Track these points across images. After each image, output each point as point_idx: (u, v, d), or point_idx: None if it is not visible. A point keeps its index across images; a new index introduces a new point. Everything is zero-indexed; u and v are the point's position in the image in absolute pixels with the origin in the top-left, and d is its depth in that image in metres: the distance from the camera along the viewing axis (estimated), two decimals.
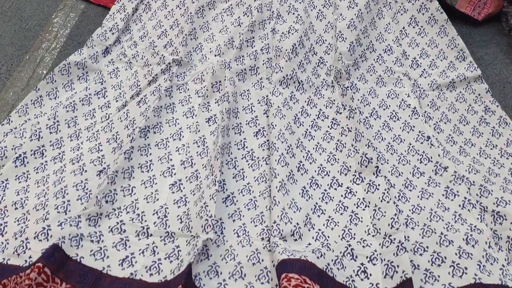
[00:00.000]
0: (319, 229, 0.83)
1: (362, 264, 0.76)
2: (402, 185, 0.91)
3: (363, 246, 0.78)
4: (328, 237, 0.81)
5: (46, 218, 0.80)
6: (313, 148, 0.97)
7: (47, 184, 0.88)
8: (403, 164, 0.94)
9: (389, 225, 0.80)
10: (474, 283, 0.72)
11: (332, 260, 0.75)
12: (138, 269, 0.76)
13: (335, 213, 0.86)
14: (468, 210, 0.85)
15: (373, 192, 0.86)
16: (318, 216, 0.85)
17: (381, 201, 0.84)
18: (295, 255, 0.72)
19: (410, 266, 0.72)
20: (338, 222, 0.84)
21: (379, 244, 0.78)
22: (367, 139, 0.93)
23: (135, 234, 0.81)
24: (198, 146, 0.98)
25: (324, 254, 0.75)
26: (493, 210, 0.82)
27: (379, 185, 0.86)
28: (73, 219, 0.79)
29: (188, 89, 1.07)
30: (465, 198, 0.87)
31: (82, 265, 0.74)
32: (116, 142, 0.96)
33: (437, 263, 0.76)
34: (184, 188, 0.90)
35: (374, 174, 0.89)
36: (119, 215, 0.84)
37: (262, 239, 0.81)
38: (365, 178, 0.89)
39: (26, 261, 0.74)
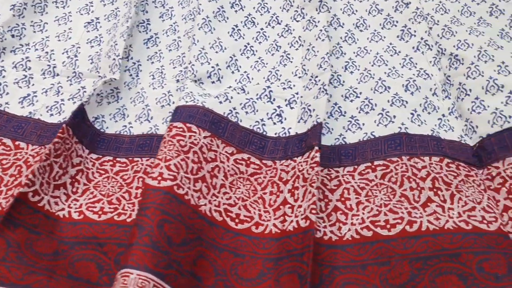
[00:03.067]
0: (245, 71, 0.72)
1: (279, 107, 0.67)
2: (353, 24, 0.77)
3: (284, 88, 0.68)
4: (252, 79, 0.71)
5: None
6: None
7: None
8: (360, 1, 0.80)
9: (317, 65, 0.68)
10: (398, 132, 0.62)
11: (241, 104, 0.65)
12: (38, 108, 0.70)
13: (267, 53, 0.74)
14: (422, 52, 0.72)
15: (310, 30, 0.73)
16: (248, 57, 0.74)
17: (316, 39, 0.71)
18: (194, 100, 0.63)
19: (325, 111, 0.63)
20: (267, 64, 0.73)
21: (303, 86, 0.68)
22: None
23: (40, 72, 0.74)
24: None
25: (231, 98, 0.65)
26: (451, 53, 0.69)
27: (318, 22, 0.73)
28: None
29: None
30: (421, 38, 0.73)
31: None
32: None
33: (365, 110, 0.66)
34: (101, 27, 0.80)
35: (316, 10, 0.75)
36: (26, 51, 0.76)
37: (177, 81, 0.72)
38: (306, 14, 0.76)
39: None
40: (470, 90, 0.65)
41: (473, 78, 0.65)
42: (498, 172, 0.58)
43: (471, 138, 0.63)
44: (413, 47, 0.73)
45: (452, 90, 0.67)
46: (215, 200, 0.56)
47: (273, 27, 0.77)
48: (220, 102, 0.64)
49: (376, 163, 0.60)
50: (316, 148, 0.58)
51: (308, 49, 0.71)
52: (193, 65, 0.69)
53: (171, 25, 0.80)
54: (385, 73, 0.70)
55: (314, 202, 0.53)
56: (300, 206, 0.55)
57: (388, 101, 0.66)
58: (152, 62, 0.76)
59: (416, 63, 0.71)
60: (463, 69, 0.67)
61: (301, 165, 0.58)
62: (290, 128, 0.64)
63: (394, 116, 0.64)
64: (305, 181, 0.56)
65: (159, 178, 0.53)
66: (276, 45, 0.74)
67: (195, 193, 0.55)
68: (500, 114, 0.61)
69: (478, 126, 0.62)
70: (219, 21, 0.76)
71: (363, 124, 0.65)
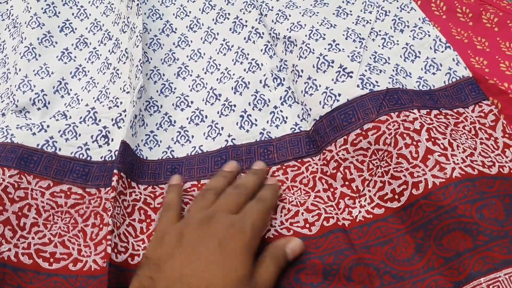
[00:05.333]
0: (76, 94, 0.67)
1: (104, 127, 0.61)
2: (186, 27, 0.74)
3: (110, 107, 0.63)
4: (82, 100, 0.66)
5: None
6: (88, 1, 0.79)
7: None
8: (193, 1, 0.76)
9: (135, 76, 0.64)
10: (224, 147, 0.60)
11: (59, 131, 0.60)
12: None
13: (98, 73, 0.70)
14: (254, 42, 0.68)
15: (131, 38, 0.69)
16: (79, 79, 0.69)
17: (133, 46, 0.67)
18: (7, 136, 0.58)
19: (128, 131, 0.59)
20: (98, 83, 0.68)
21: (130, 102, 0.63)
22: None
23: None
24: None
25: (48, 126, 0.60)
26: (284, 36, 0.65)
27: (136, 26, 0.69)
28: None
29: None
30: (252, 27, 0.70)
31: None
32: None
33: (195, 121, 0.63)
34: None
35: (136, 14, 0.71)
36: None
37: (3, 115, 0.66)
38: (130, 23, 0.72)
39: None
40: (302, 70, 0.61)
41: (305, 58, 0.62)
42: (332, 156, 0.55)
43: (307, 121, 0.59)
44: (245, 38, 0.69)
45: (287, 74, 0.64)
46: (23, 242, 0.51)
47: (105, 44, 0.72)
48: (34, 134, 0.59)
49: (202, 182, 0.57)
50: (115, 171, 0.54)
51: (131, 60, 0.67)
52: (14, 95, 0.64)
53: (2, 58, 0.74)
54: (217, 79, 0.67)
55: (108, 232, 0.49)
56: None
57: (218, 112, 0.63)
58: None
59: (248, 54, 0.68)
60: (297, 50, 0.63)
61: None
62: (117, 150, 0.59)
63: (222, 128, 0.61)
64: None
65: None
66: (107, 62, 0.70)
67: None
68: (330, 93, 0.58)
69: (312, 109, 0.59)
70: (46, 46, 0.71)
71: (192, 136, 0.62)
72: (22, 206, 0.52)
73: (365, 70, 0.58)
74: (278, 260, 0.46)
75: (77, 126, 0.61)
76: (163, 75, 0.69)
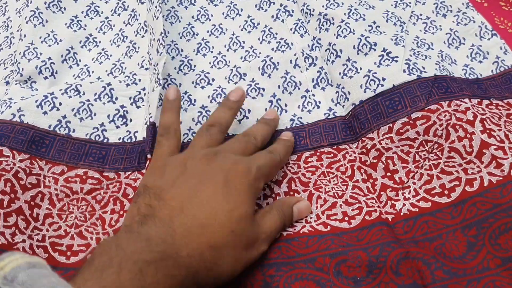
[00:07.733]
0: (86, 65, 0.61)
1: (122, 106, 0.56)
2: (207, 0, 0.68)
3: (128, 85, 0.57)
4: (93, 72, 0.60)
5: None
6: None
7: None
8: None
9: (157, 52, 0.58)
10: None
11: (73, 110, 0.54)
12: None
13: (111, 44, 0.63)
14: (282, 20, 0.63)
15: (150, 10, 0.63)
16: (90, 49, 0.63)
17: (153, 18, 0.61)
18: (14, 111, 0.52)
19: (157, 107, 0.54)
20: (111, 55, 0.62)
21: (150, 80, 0.57)
22: None
23: None
24: None
25: (60, 104, 0.54)
26: (320, 12, 0.60)
27: None
28: None
29: None
30: (281, 5, 0.65)
31: None
32: None
33: (218, 100, 0.58)
34: None
35: None
36: None
37: (7, 83, 0.59)
38: None
39: None
40: (341, 50, 0.56)
41: (344, 37, 0.57)
42: (373, 144, 0.50)
43: (343, 106, 0.55)
44: (272, 16, 0.64)
45: (320, 53, 0.59)
46: (37, 234, 0.45)
47: (119, 14, 0.66)
48: (45, 113, 0.53)
49: None
50: (148, 156, 0.48)
51: (150, 34, 0.61)
52: (19, 63, 0.58)
53: (4, 21, 0.67)
54: (241, 58, 0.61)
55: None
56: None
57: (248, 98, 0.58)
58: None
59: (276, 33, 0.63)
60: (334, 29, 0.58)
61: None
62: (136, 131, 0.54)
63: (249, 111, 0.56)
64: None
65: None
66: (122, 34, 0.63)
67: (8, 229, 0.44)
68: (373, 76, 0.53)
69: (351, 92, 0.54)
70: (54, 12, 0.64)
71: None
72: (34, 195, 0.47)
73: (410, 55, 0.54)
74: (284, 215, 0.44)
75: (92, 104, 0.55)
76: (182, 50, 0.64)
